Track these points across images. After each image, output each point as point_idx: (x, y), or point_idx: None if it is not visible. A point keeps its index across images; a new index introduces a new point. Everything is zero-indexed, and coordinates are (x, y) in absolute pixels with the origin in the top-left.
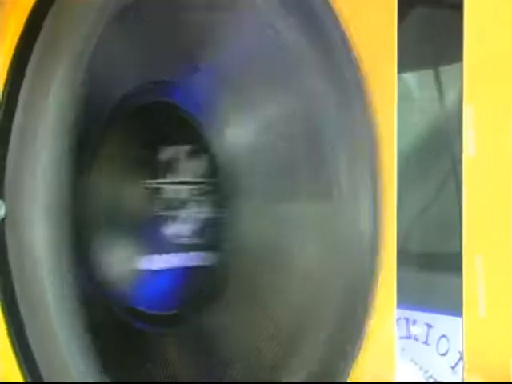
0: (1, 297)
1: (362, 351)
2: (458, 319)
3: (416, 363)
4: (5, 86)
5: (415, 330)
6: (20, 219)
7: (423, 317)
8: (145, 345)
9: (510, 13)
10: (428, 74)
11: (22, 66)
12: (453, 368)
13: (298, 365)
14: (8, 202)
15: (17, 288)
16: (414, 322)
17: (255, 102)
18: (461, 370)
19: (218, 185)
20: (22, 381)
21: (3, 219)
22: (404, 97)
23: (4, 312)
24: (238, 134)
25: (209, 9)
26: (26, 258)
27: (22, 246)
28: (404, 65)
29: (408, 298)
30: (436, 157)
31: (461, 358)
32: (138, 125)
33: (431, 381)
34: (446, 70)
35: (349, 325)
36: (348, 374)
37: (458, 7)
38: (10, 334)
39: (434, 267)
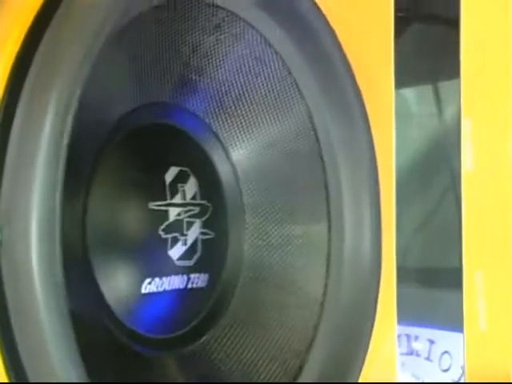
0: None
1: (364, 369)
2: (461, 335)
3: (418, 378)
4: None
5: (417, 345)
6: (15, 245)
7: (425, 333)
8: (144, 368)
9: (505, 28)
10: (427, 89)
11: (20, 78)
12: None
13: None
14: (3, 228)
15: (12, 317)
16: (416, 337)
17: (256, 121)
18: None
19: (219, 205)
20: None
21: None
22: (403, 112)
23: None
24: (239, 153)
25: (206, 29)
26: (22, 285)
27: (18, 273)
28: (403, 81)
29: (409, 314)
30: (435, 172)
31: (463, 374)
32: (137, 146)
33: None
34: (444, 86)
35: (350, 343)
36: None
37: (455, 23)
38: (3, 357)
39: (435, 283)
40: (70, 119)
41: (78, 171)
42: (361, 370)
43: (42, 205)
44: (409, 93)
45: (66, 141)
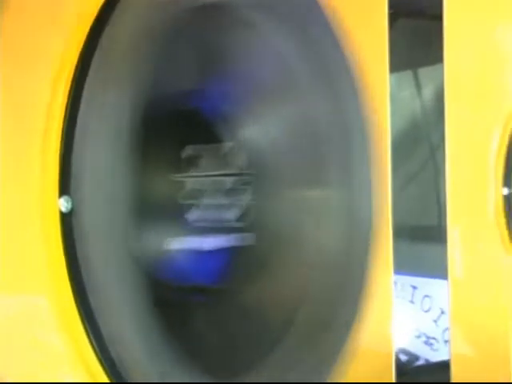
0: (71, 278)
1: (364, 310)
2: (440, 281)
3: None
4: (69, 95)
5: (402, 291)
6: (85, 211)
7: (409, 280)
8: (201, 314)
9: (485, 21)
10: (407, 74)
11: (83, 75)
12: (435, 322)
13: (306, 320)
14: (73, 196)
15: (83, 271)
16: (401, 284)
17: (273, 106)
18: (442, 322)
19: (245, 176)
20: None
21: (70, 213)
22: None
23: (73, 291)
24: (256, 134)
25: (228, 30)
26: (92, 244)
27: (88, 234)
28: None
29: (396, 264)
30: (416, 145)
31: (442, 313)
32: (170, 128)
33: (417, 333)
34: (423, 71)
35: (355, 278)
36: (354, 325)
37: (438, 18)
38: (79, 310)
39: (415, 238)
40: (130, 104)
41: (128, 149)
42: (357, 312)
43: (107, 175)
44: (392, 77)
45: (126, 120)
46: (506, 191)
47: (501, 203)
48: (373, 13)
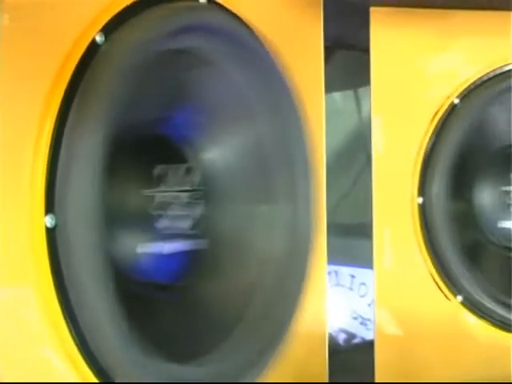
0: (55, 283)
1: (303, 296)
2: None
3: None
4: (52, 134)
5: (342, 279)
6: (67, 228)
7: (348, 270)
8: (160, 307)
9: (403, 51)
10: (350, 93)
11: (64, 114)
12: (369, 305)
13: (254, 311)
14: (57, 214)
15: (65, 275)
16: (342, 274)
17: (226, 133)
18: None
19: (203, 191)
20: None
21: (54, 228)
22: (334, 109)
23: (57, 294)
24: (213, 156)
25: (187, 67)
26: (72, 254)
27: (69, 245)
28: (333, 87)
29: (337, 257)
30: (355, 154)
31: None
32: (140, 150)
33: (354, 315)
34: (362, 91)
35: (294, 277)
36: (296, 310)
37: (367, 50)
38: (62, 310)
39: (351, 234)
40: (103, 137)
41: (105, 171)
42: (302, 295)
43: (86, 196)
44: (337, 95)
45: (101, 151)
46: (420, 200)
47: (417, 211)
48: (310, 47)
